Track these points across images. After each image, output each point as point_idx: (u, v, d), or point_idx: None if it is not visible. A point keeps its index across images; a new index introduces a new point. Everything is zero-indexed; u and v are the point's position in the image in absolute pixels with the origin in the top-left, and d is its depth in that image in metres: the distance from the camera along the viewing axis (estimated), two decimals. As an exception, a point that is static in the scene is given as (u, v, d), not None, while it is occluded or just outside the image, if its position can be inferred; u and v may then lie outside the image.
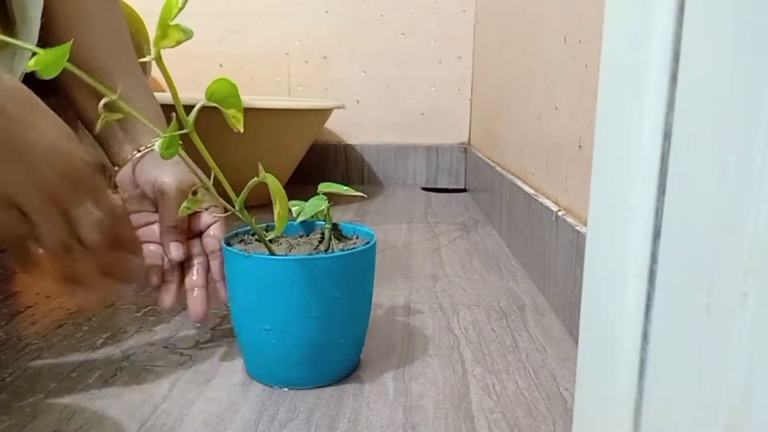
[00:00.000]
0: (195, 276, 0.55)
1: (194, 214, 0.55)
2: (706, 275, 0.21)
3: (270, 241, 0.50)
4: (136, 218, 0.56)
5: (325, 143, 1.62)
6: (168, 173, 0.53)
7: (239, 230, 0.54)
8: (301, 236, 0.55)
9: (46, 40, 0.54)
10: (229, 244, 0.50)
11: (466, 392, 0.49)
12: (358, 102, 1.60)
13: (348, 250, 0.49)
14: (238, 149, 0.97)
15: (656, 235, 0.24)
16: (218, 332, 0.60)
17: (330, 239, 0.52)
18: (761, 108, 0.18)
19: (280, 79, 1.60)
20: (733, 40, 0.20)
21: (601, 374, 0.29)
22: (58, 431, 0.42)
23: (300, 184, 1.64)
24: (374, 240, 0.52)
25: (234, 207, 0.47)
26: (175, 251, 0.53)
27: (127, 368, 0.52)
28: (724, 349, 0.20)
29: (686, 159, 0.22)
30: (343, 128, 1.62)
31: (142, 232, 0.56)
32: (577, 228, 0.60)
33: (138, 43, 0.72)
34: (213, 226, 0.55)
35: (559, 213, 0.67)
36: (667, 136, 0.23)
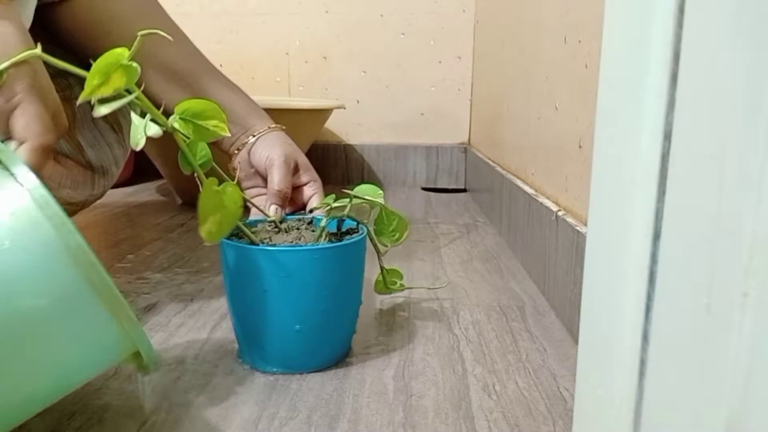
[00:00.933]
0: None
1: (296, 189, 0.64)
2: (706, 275, 0.21)
3: (284, 231, 0.55)
4: (250, 192, 0.65)
5: (325, 143, 1.62)
6: (277, 150, 0.63)
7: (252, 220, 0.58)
8: (310, 223, 0.58)
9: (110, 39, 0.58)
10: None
11: (466, 392, 0.49)
12: (358, 102, 1.60)
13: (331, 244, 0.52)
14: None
15: (656, 235, 0.24)
16: (217, 333, 0.60)
17: (322, 232, 0.53)
18: (761, 108, 0.18)
19: (280, 79, 1.60)
20: (733, 40, 0.20)
21: (601, 374, 0.29)
22: (58, 431, 0.42)
23: (300, 184, 1.64)
24: (359, 237, 0.54)
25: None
26: (273, 212, 0.60)
27: (127, 368, 0.52)
28: (724, 349, 0.20)
29: (686, 159, 0.22)
30: (343, 128, 1.62)
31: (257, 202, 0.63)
32: (577, 228, 0.60)
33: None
34: (313, 198, 0.64)
35: (559, 213, 0.67)
36: (667, 136, 0.23)
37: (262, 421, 0.44)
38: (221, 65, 1.57)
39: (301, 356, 0.52)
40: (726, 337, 0.20)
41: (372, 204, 0.56)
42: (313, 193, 0.65)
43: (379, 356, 0.55)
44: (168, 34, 0.60)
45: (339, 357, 0.54)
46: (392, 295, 0.71)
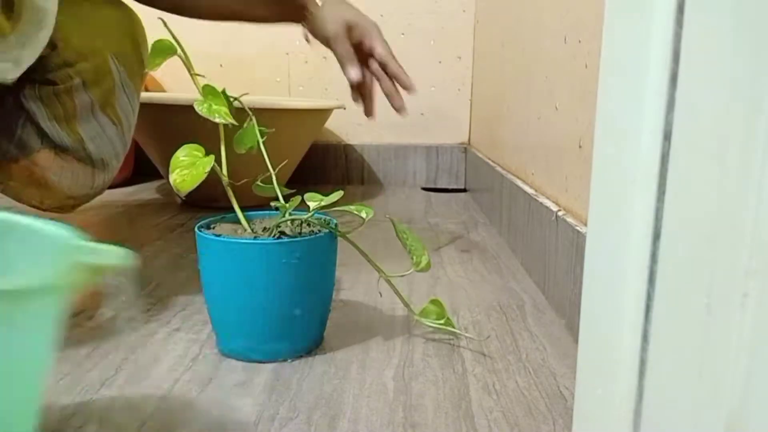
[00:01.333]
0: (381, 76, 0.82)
1: (359, 44, 0.79)
2: (706, 275, 0.21)
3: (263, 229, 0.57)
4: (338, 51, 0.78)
5: (325, 143, 1.62)
6: (328, 27, 0.76)
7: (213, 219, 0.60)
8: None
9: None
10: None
11: (466, 391, 0.49)
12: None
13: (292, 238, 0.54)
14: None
15: (656, 235, 0.24)
16: (218, 332, 0.60)
17: (275, 228, 0.55)
18: (761, 108, 0.18)
19: (280, 79, 1.60)
20: (733, 40, 0.20)
21: (601, 374, 0.29)
22: (58, 431, 0.42)
23: (300, 184, 1.64)
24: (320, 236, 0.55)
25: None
26: (355, 73, 0.77)
27: (127, 368, 0.52)
28: (724, 349, 0.20)
29: (686, 159, 0.22)
30: (343, 128, 1.62)
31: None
32: (577, 228, 0.60)
33: (137, 44, 0.72)
34: (373, 46, 0.79)
35: (559, 213, 0.67)
36: (667, 136, 0.23)
37: (262, 421, 0.44)
38: (221, 65, 1.58)
39: (243, 345, 0.54)
40: (726, 337, 0.20)
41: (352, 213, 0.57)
42: (371, 42, 0.78)
43: (379, 356, 0.55)
44: None
45: (285, 354, 0.55)
46: (392, 295, 0.71)
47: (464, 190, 1.58)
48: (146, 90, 1.47)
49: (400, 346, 0.58)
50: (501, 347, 0.58)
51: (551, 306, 0.68)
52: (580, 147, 0.64)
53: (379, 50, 0.78)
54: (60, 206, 0.71)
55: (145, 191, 1.43)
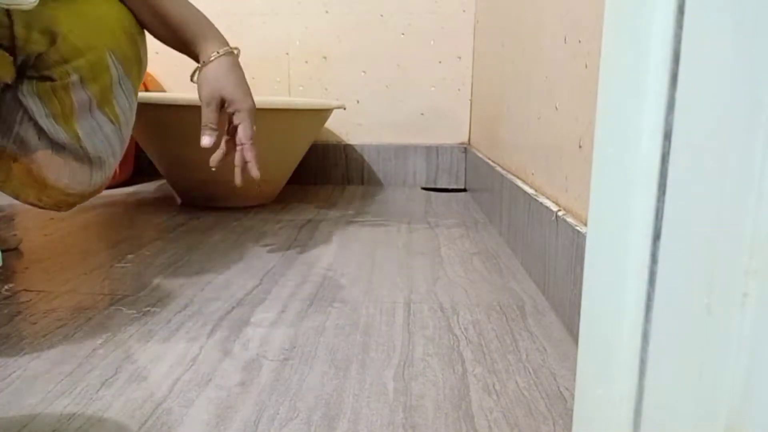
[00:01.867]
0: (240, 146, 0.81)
1: (230, 119, 0.81)
2: (706, 275, 0.21)
3: None
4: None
5: (325, 143, 1.62)
6: (205, 90, 0.78)
7: None
8: None
9: None
10: None
11: (466, 392, 0.49)
12: (358, 102, 1.60)
13: None
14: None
15: (656, 235, 0.24)
16: (217, 333, 0.60)
17: None
18: (761, 108, 0.18)
19: (280, 79, 1.60)
20: (733, 40, 0.20)
21: (601, 374, 0.29)
22: (58, 431, 0.42)
23: (300, 184, 1.64)
24: None
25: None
26: (206, 140, 0.78)
27: (127, 368, 0.52)
28: (724, 349, 0.20)
29: (686, 159, 0.22)
30: (343, 128, 1.62)
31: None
32: (577, 228, 0.60)
33: (135, 41, 0.72)
34: (239, 127, 0.79)
35: (559, 213, 0.67)
36: (667, 136, 0.23)
37: (262, 422, 0.44)
38: (221, 65, 1.57)
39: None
40: (726, 337, 0.20)
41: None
42: (238, 123, 0.79)
43: (379, 356, 0.55)
44: None
45: None
46: (391, 295, 0.71)
47: (464, 190, 1.58)
48: (146, 90, 1.47)
49: (400, 346, 0.58)
50: (501, 347, 0.58)
51: (551, 306, 0.68)
52: (580, 147, 0.64)
53: (240, 134, 0.79)
54: (58, 204, 0.71)
55: (145, 191, 1.43)
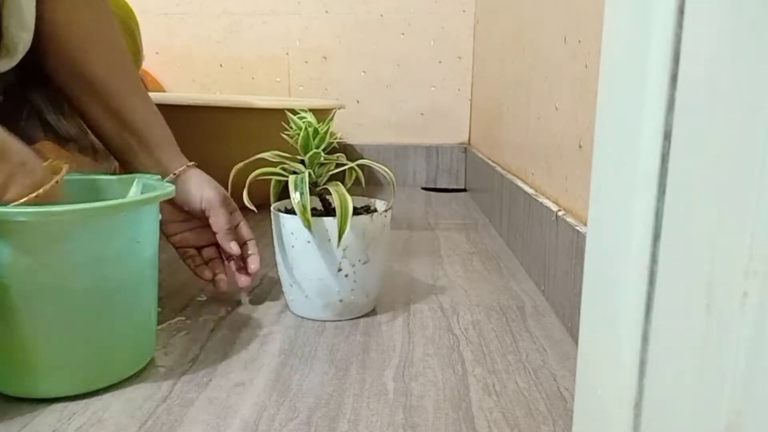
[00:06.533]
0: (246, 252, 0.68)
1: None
2: (706, 275, 0.21)
3: None
4: (173, 227, 0.67)
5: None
6: (209, 192, 0.64)
7: None
8: None
9: (48, 60, 0.59)
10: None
11: (466, 392, 0.49)
12: (358, 102, 1.60)
13: None
14: (239, 149, 0.96)
15: (656, 235, 0.24)
16: (217, 333, 0.60)
17: None
18: (761, 108, 0.18)
19: (280, 79, 1.60)
20: (733, 40, 0.20)
21: (601, 374, 0.29)
22: (58, 431, 0.42)
23: (300, 184, 1.64)
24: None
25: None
26: (236, 247, 0.65)
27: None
28: (724, 349, 0.20)
29: (686, 159, 0.22)
30: (343, 128, 1.62)
31: (179, 239, 0.67)
32: (577, 228, 0.60)
33: (132, 31, 0.72)
34: (242, 223, 0.68)
35: (559, 213, 0.67)
36: (667, 136, 0.23)
37: (262, 422, 0.44)
38: (221, 65, 1.58)
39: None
40: (726, 337, 0.20)
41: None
42: (239, 221, 0.67)
43: (379, 356, 0.55)
44: (95, 42, 0.61)
45: None
46: (391, 295, 0.71)
47: (464, 190, 1.58)
48: (146, 90, 1.47)
49: (400, 346, 0.58)
50: (501, 348, 0.58)
51: (551, 306, 0.68)
52: (580, 147, 0.64)
53: (245, 231, 0.68)
54: None
55: (145, 191, 1.43)
